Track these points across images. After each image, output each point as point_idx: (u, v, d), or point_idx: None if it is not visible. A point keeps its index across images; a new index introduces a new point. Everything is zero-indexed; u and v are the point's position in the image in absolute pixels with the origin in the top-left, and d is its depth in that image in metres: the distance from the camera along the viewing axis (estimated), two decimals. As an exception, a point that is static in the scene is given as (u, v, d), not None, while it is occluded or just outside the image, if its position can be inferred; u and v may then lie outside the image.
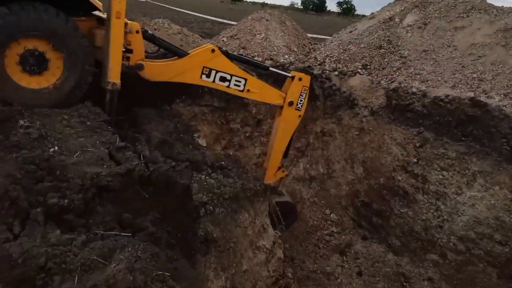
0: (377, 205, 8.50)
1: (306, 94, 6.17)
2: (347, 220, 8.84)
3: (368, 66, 10.05)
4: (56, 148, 3.93)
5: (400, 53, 9.86)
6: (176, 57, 5.55)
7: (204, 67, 5.39)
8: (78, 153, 3.98)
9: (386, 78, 9.36)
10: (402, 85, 8.71)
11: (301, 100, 6.15)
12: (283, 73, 6.26)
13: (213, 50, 5.43)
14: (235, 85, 5.59)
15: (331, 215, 8.89)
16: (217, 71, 5.44)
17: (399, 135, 8.29)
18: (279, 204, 6.80)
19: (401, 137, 8.25)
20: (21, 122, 4.10)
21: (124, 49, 5.16)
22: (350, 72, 9.88)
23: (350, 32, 12.10)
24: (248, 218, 4.64)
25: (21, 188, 3.02)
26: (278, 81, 7.12)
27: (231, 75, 5.54)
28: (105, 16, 5.25)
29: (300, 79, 6.06)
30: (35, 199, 3.05)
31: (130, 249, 2.63)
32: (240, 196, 4.64)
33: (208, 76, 5.44)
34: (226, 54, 5.58)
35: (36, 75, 4.88)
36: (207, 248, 3.79)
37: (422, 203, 7.81)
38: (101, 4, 5.49)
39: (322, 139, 9.43)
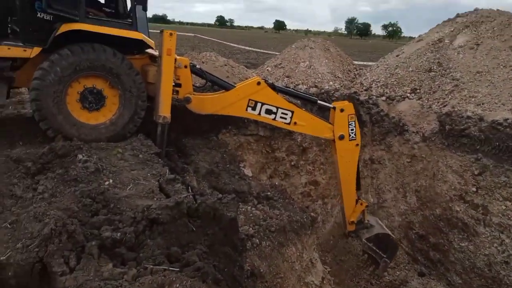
0: (433, 238, 7.98)
1: (355, 121, 5.86)
2: (401, 254, 8.35)
3: (418, 90, 9.72)
4: (111, 181, 4.11)
5: (452, 75, 9.45)
6: (223, 90, 5.69)
7: (249, 99, 5.41)
8: (131, 185, 4.14)
9: (438, 102, 8.98)
10: (456, 109, 8.30)
11: (352, 130, 5.82)
12: (326, 104, 6.01)
13: (258, 83, 5.45)
14: (281, 117, 5.50)
15: (383, 248, 8.45)
16: (262, 104, 5.43)
17: (455, 162, 7.83)
18: (371, 240, 6.34)
19: (457, 164, 7.78)
20: (80, 156, 4.35)
21: (173, 83, 5.39)
22: (399, 97, 9.60)
23: (397, 56, 11.84)
24: (296, 252, 4.52)
25: (77, 221, 3.17)
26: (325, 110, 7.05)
27: (277, 108, 5.47)
28: (157, 53, 5.55)
29: (342, 110, 5.75)
30: (90, 232, 3.18)
31: (178, 285, 2.63)
32: (287, 229, 4.55)
33: (253, 108, 5.45)
34: (272, 86, 5.56)
35: (94, 111, 5.21)
36: (253, 283, 3.72)
37: (484, 236, 7.23)
38: (153, 42, 5.81)
39: (371, 167, 9.13)
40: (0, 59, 4.82)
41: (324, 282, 5.10)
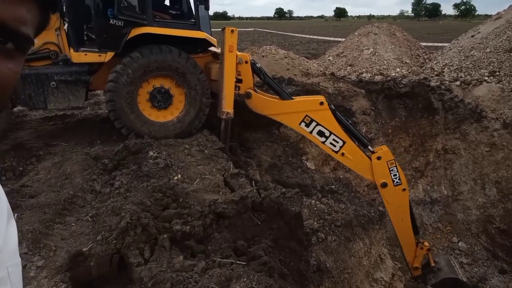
0: (517, 234, 7.28)
1: (396, 166, 5.34)
2: (479, 250, 7.74)
3: (497, 73, 8.86)
4: (179, 176, 4.31)
5: (537, 55, 8.49)
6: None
7: (306, 115, 5.28)
8: (198, 180, 4.30)
9: (522, 85, 8.12)
10: (543, 92, 7.45)
11: (395, 175, 5.35)
12: (365, 154, 5.39)
13: (321, 103, 5.27)
14: (331, 143, 5.28)
15: (459, 244, 7.89)
16: (317, 124, 5.27)
17: (543, 151, 7.04)
18: (437, 286, 5.76)
19: (545, 154, 6.99)
20: (151, 153, 4.61)
21: (235, 79, 5.46)
22: (475, 81, 8.84)
23: (472, 36, 10.88)
24: (363, 247, 4.37)
25: (150, 215, 3.36)
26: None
27: (331, 133, 5.26)
28: (219, 51, 5.66)
29: (379, 158, 5.26)
30: (162, 225, 3.35)
31: (245, 279, 2.68)
32: (353, 223, 4.42)
33: (307, 125, 5.29)
34: (333, 112, 5.37)
35: (162, 110, 5.48)
36: (320, 279, 3.67)
37: None
38: (215, 40, 5.94)
39: (444, 157, 8.54)
40: (78, 64, 5.26)
41: (395, 278, 4.89)
